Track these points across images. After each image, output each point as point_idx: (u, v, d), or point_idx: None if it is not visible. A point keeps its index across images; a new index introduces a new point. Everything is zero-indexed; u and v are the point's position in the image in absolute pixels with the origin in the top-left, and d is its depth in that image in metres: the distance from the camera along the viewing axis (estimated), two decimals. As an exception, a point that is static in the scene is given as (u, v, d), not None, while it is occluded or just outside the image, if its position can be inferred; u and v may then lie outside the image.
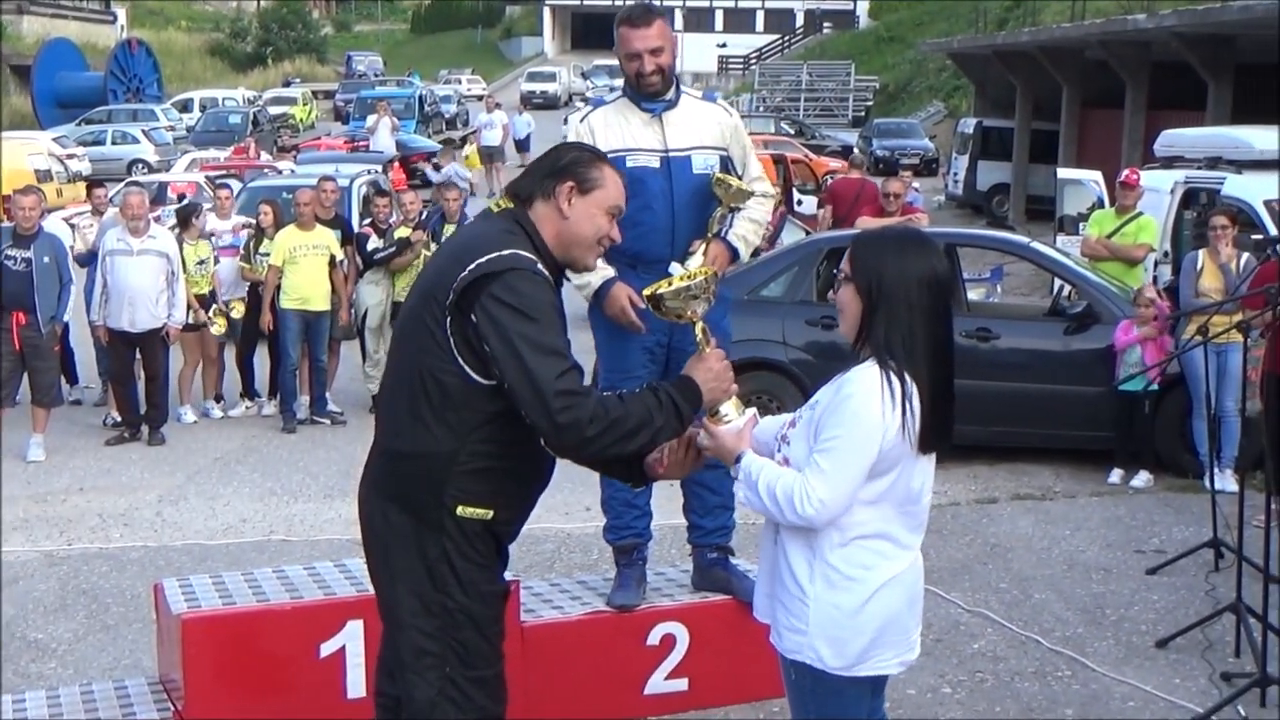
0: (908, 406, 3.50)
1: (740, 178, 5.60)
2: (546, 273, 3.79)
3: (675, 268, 5.40)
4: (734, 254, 5.61)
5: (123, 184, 19.80)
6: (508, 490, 3.90)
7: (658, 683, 5.67)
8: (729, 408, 3.87)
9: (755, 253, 11.55)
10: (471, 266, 3.68)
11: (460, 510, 3.80)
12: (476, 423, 3.76)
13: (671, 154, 5.52)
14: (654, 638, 5.67)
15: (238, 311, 12.15)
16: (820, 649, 3.59)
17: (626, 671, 5.65)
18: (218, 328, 12.00)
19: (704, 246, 5.48)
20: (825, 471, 3.50)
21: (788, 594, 3.64)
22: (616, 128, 5.54)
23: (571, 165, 3.95)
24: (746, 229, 5.64)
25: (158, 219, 14.11)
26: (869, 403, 3.49)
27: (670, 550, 7.30)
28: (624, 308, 5.33)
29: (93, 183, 15.45)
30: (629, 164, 5.40)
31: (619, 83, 6.18)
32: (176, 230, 12.39)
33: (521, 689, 5.52)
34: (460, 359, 3.71)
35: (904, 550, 3.70)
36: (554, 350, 3.64)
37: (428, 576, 3.84)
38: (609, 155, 5.20)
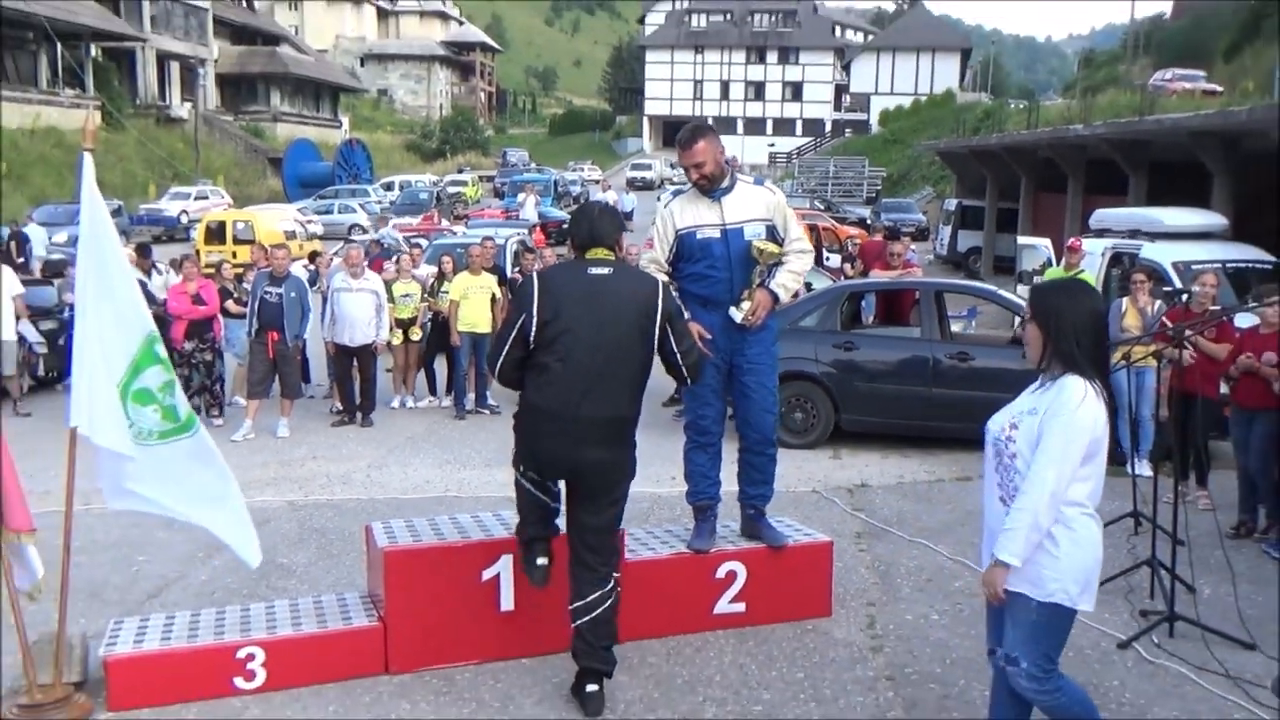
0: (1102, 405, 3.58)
1: (783, 239, 5.60)
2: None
3: (733, 310, 5.52)
4: (775, 298, 5.58)
5: (342, 243, 20.07)
6: None
7: (723, 605, 5.66)
8: None
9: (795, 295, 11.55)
10: (664, 295, 4.71)
11: None
12: None
13: (728, 226, 5.53)
14: (720, 573, 5.66)
15: (415, 334, 12.22)
16: (1070, 590, 3.63)
17: (700, 597, 5.64)
18: (397, 338, 12.06)
19: (750, 293, 5.51)
20: (1051, 455, 3.56)
21: (1044, 552, 3.63)
22: (690, 209, 5.60)
23: (619, 226, 4.86)
24: (786, 278, 5.61)
25: (369, 266, 14.30)
26: (1085, 404, 3.57)
27: (734, 510, 7.24)
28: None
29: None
30: (699, 236, 5.54)
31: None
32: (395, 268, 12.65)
33: (626, 608, 5.55)
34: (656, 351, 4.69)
35: (1098, 517, 3.73)
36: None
37: (628, 481, 4.83)
38: (685, 229, 5.54)
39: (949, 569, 6.76)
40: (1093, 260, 13.42)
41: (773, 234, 5.59)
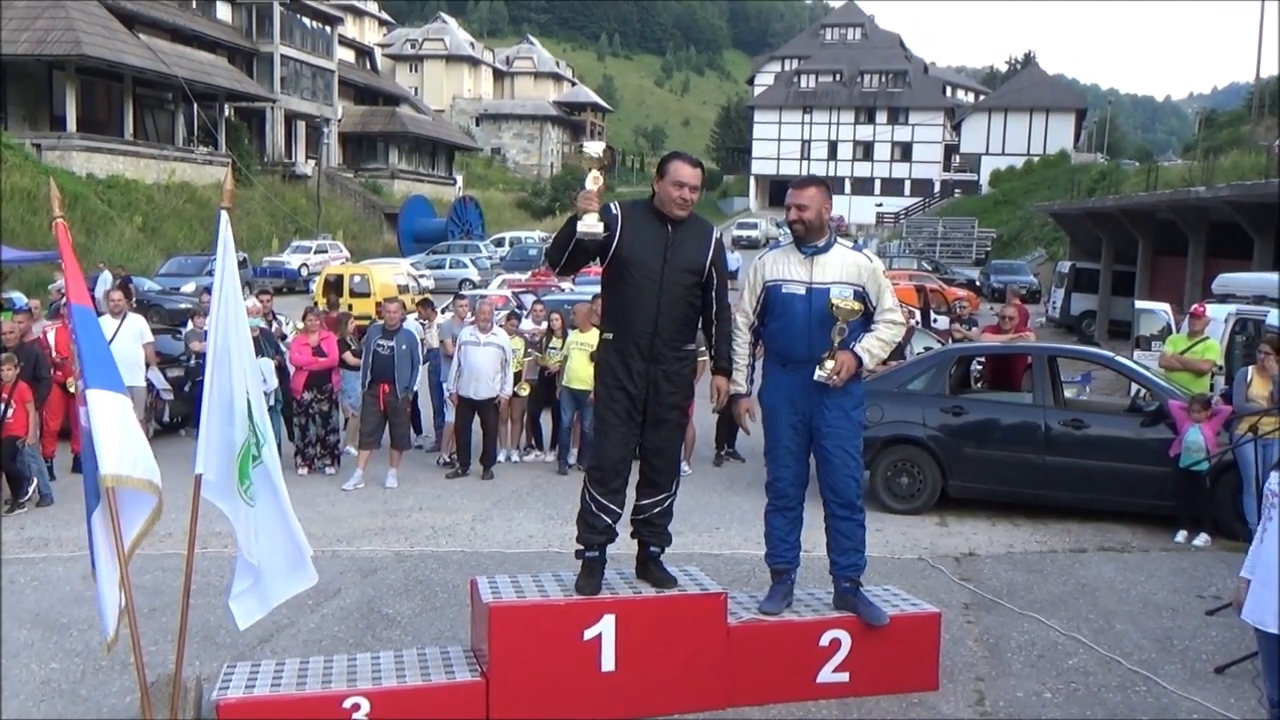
0: None
1: (875, 307, 5.54)
2: (617, 207, 5.35)
3: (817, 371, 5.46)
4: (859, 360, 5.48)
5: (453, 296, 20.26)
6: None
7: (826, 675, 5.54)
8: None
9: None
10: None
11: None
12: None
13: (814, 285, 5.51)
14: (824, 640, 5.55)
15: (524, 389, 12.34)
16: None
17: (803, 665, 5.53)
18: (523, 387, 12.21)
19: (833, 353, 5.47)
20: None
21: None
22: (781, 263, 5.63)
23: (657, 167, 5.41)
24: (873, 343, 5.50)
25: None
26: None
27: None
28: (741, 414, 5.68)
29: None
30: (784, 290, 5.57)
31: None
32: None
33: (728, 673, 5.47)
34: None
35: None
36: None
37: None
38: (772, 282, 5.57)
39: (1062, 645, 6.51)
40: (1216, 326, 12.98)
41: (863, 299, 5.51)
